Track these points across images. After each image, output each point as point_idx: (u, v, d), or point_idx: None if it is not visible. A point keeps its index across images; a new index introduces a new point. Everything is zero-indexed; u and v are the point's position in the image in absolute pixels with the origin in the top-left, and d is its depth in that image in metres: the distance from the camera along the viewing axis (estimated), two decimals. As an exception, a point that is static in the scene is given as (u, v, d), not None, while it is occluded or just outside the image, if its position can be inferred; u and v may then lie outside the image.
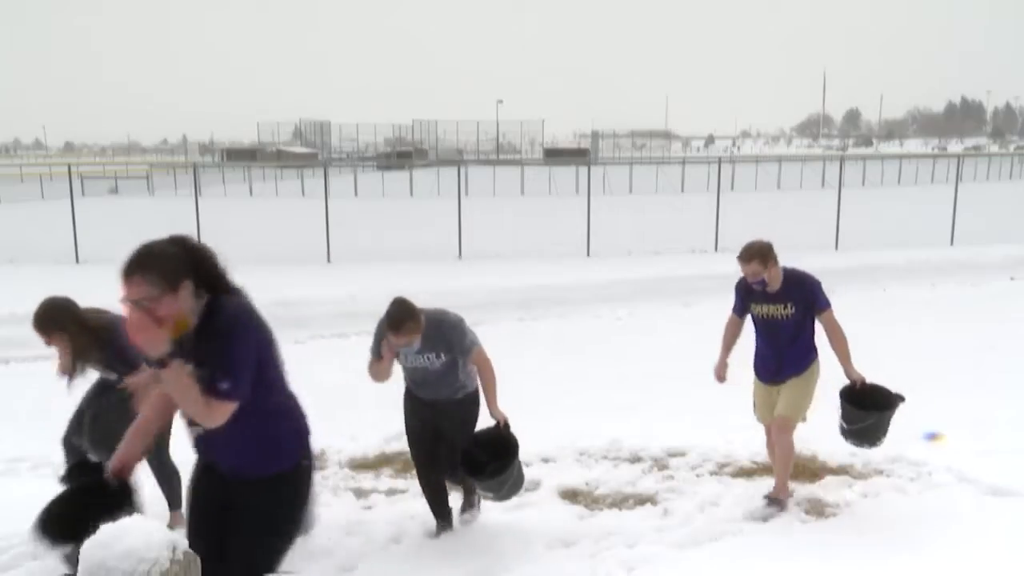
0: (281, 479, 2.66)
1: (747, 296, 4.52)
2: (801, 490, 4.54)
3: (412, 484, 4.79)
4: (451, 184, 22.09)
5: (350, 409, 6.11)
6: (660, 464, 5.06)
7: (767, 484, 4.54)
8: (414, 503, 4.45)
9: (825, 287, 4.44)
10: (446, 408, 4.09)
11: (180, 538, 1.55)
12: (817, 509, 4.35)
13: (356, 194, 31.68)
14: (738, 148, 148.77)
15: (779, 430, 4.41)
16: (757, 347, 4.53)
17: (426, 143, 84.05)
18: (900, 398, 4.22)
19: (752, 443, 5.08)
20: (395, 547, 3.97)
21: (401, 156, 67.43)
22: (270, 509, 2.62)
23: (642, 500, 4.53)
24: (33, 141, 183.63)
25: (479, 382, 4.06)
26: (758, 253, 4.33)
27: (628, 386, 6.68)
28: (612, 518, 4.28)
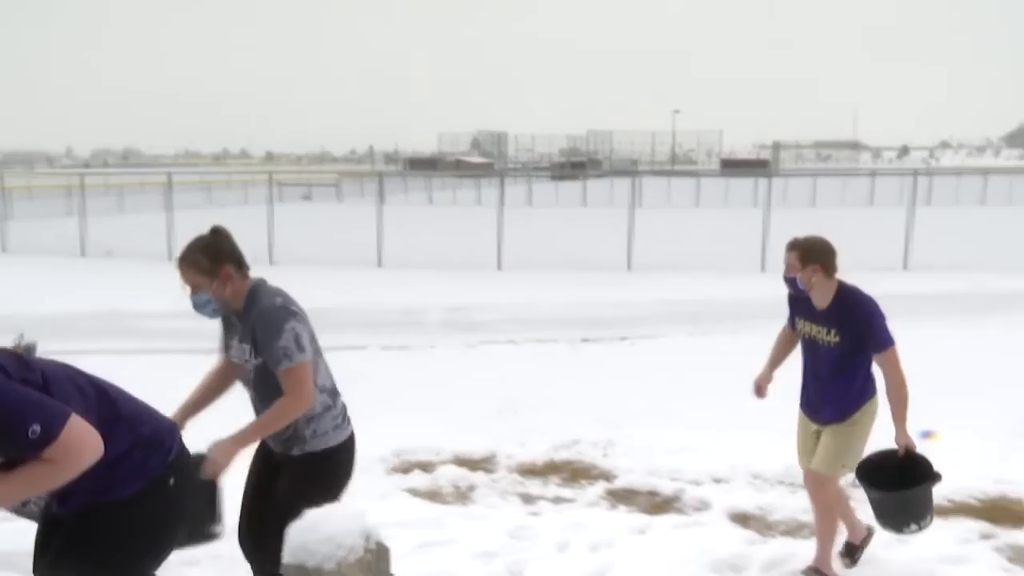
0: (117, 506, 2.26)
1: (794, 306, 3.80)
2: (1004, 535, 4.13)
3: (581, 494, 4.79)
4: (624, 194, 21.97)
5: (519, 414, 6.20)
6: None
7: (961, 525, 4.16)
8: (582, 513, 4.44)
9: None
10: (282, 461, 3.00)
11: (374, 529, 1.63)
12: (1022, 557, 3.94)
13: (530, 203, 32.18)
14: (936, 159, 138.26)
15: (813, 487, 3.75)
16: (802, 370, 3.81)
17: (600, 153, 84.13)
18: (936, 475, 3.39)
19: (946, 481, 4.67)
20: (560, 555, 3.97)
21: (575, 166, 67.82)
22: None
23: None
24: (240, 151, 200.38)
25: (336, 438, 2.97)
26: (801, 246, 3.57)
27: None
28: (785, 546, 4.07)
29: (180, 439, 2.44)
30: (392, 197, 33.52)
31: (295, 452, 2.97)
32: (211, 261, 2.90)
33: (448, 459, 5.27)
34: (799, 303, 3.74)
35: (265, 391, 2.96)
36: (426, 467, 5.15)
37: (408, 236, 16.98)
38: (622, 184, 33.20)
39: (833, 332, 3.57)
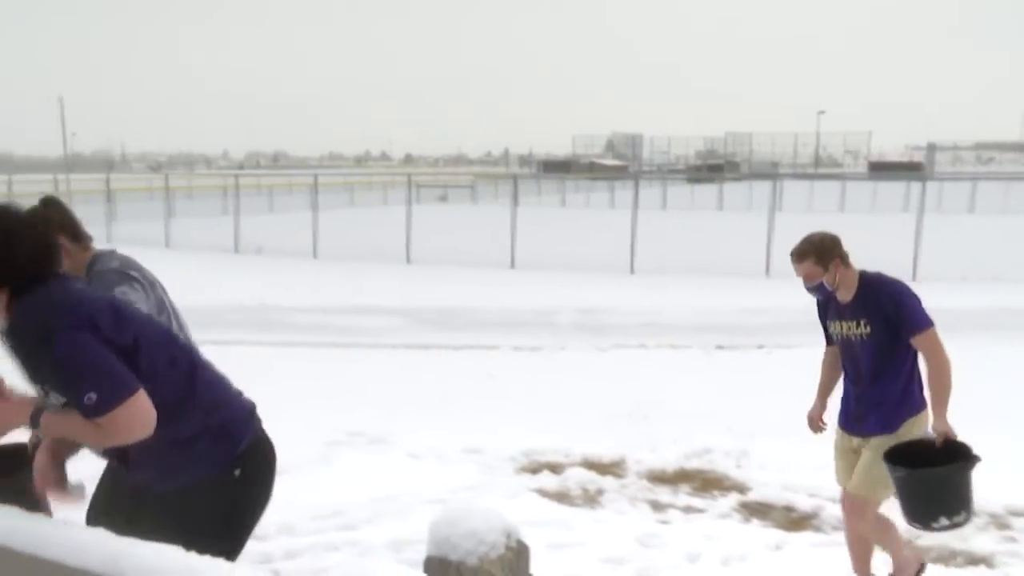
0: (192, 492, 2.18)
1: (823, 314, 3.51)
2: None
3: (712, 504, 4.66)
4: (763, 198, 21.28)
5: (649, 420, 6.10)
6: (1000, 523, 4.41)
7: None
8: (713, 524, 4.32)
9: None
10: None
11: (515, 527, 1.65)
12: None
13: (664, 206, 31.71)
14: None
15: (849, 512, 3.42)
16: (843, 381, 3.51)
17: (739, 156, 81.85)
18: (974, 457, 2.99)
19: None
20: (691, 566, 3.87)
21: (712, 169, 66.30)
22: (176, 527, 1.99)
23: (974, 560, 3.98)
24: (380, 153, 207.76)
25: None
26: (814, 248, 3.29)
27: (974, 428, 5.91)
28: (936, 574, 3.81)
29: (257, 429, 2.32)
30: (526, 199, 33.82)
31: None
32: None
33: (577, 461, 5.25)
34: (827, 308, 3.49)
35: None
36: (555, 468, 5.14)
37: (541, 238, 17.07)
38: (761, 187, 32.16)
39: (863, 323, 3.28)
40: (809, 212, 28.01)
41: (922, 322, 3.19)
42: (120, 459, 2.19)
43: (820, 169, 75.27)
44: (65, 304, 1.96)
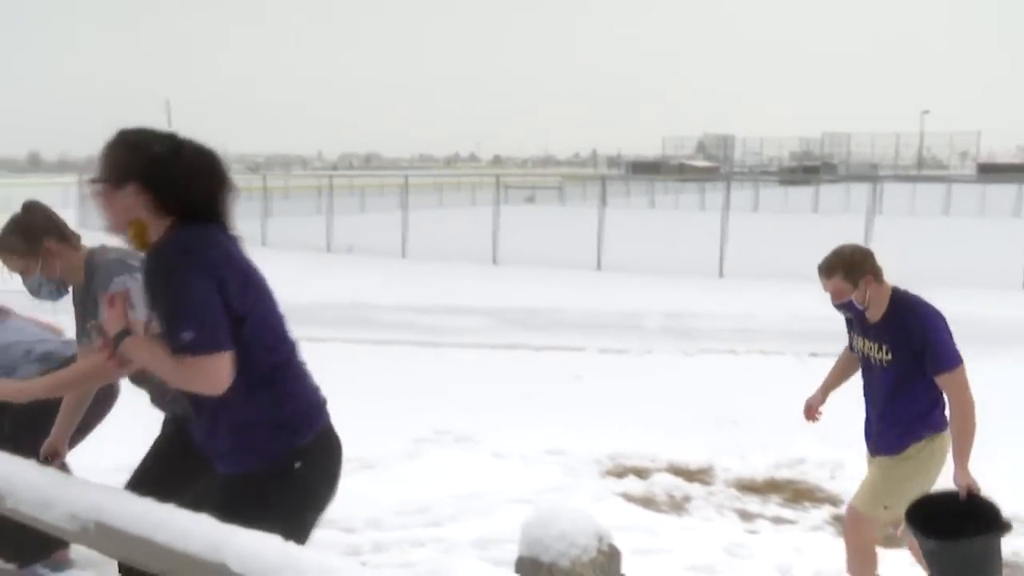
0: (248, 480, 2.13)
1: (849, 323, 3.32)
2: None
3: (804, 516, 4.53)
4: (862, 201, 20.55)
5: (738, 426, 5.98)
6: None
7: None
8: (804, 537, 4.20)
9: None
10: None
11: (606, 531, 1.65)
12: None
13: (756, 209, 31.00)
14: None
15: (848, 523, 3.29)
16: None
17: (836, 157, 79.32)
18: (1005, 525, 2.76)
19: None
20: (779, 578, 3.78)
21: (807, 171, 64.41)
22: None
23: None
24: (469, 155, 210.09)
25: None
26: (843, 263, 3.05)
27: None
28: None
29: (324, 425, 2.25)
30: (614, 200, 33.61)
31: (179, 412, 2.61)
32: (27, 241, 2.63)
33: (663, 467, 5.19)
34: (852, 320, 3.30)
35: None
36: (641, 473, 5.09)
37: (628, 240, 16.93)
38: (859, 190, 31.07)
39: (885, 348, 3.04)
40: (911, 215, 26.95)
41: (950, 361, 2.95)
42: (196, 424, 2.22)
43: (924, 171, 72.23)
44: (209, 251, 2.01)
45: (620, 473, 5.12)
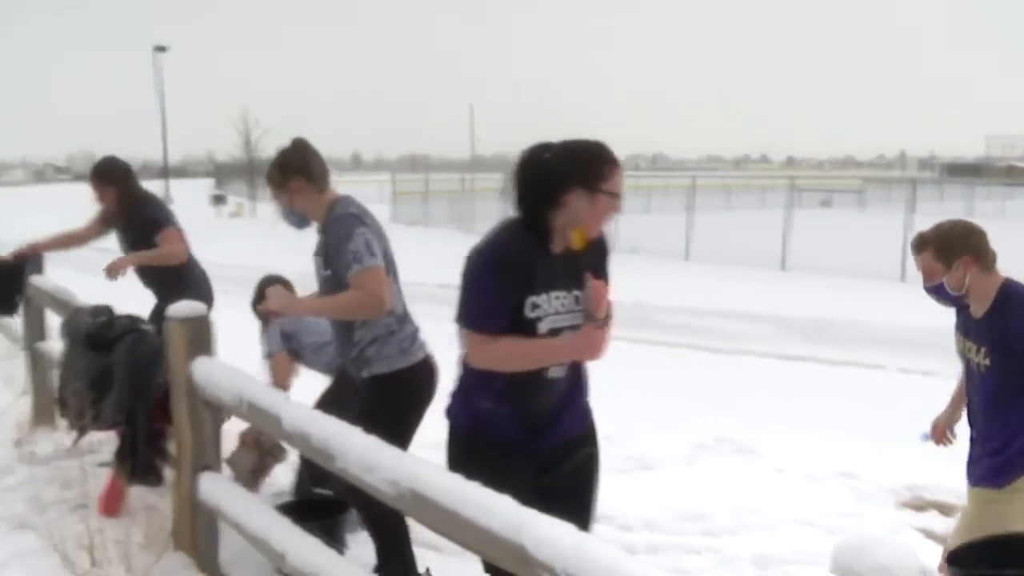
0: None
1: (957, 321, 2.74)
2: None
3: None
4: None
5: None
6: None
7: None
8: None
9: None
10: (354, 382, 3.03)
11: (931, 568, 1.53)
12: None
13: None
14: None
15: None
16: None
17: None
18: None
19: None
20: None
21: None
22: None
23: None
24: (760, 156, 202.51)
25: (402, 362, 2.91)
26: (935, 238, 2.54)
27: None
28: None
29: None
30: (924, 206, 30.53)
31: (364, 375, 2.94)
32: (280, 174, 2.97)
33: (972, 506, 4.65)
34: (959, 316, 2.76)
35: None
36: (943, 509, 4.61)
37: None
38: None
39: (983, 351, 2.52)
40: None
41: None
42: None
43: None
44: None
45: (919, 506, 4.68)
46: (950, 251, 2.58)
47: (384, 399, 2.88)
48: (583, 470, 2.34)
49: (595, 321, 2.16)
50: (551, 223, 2.14)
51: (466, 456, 2.20)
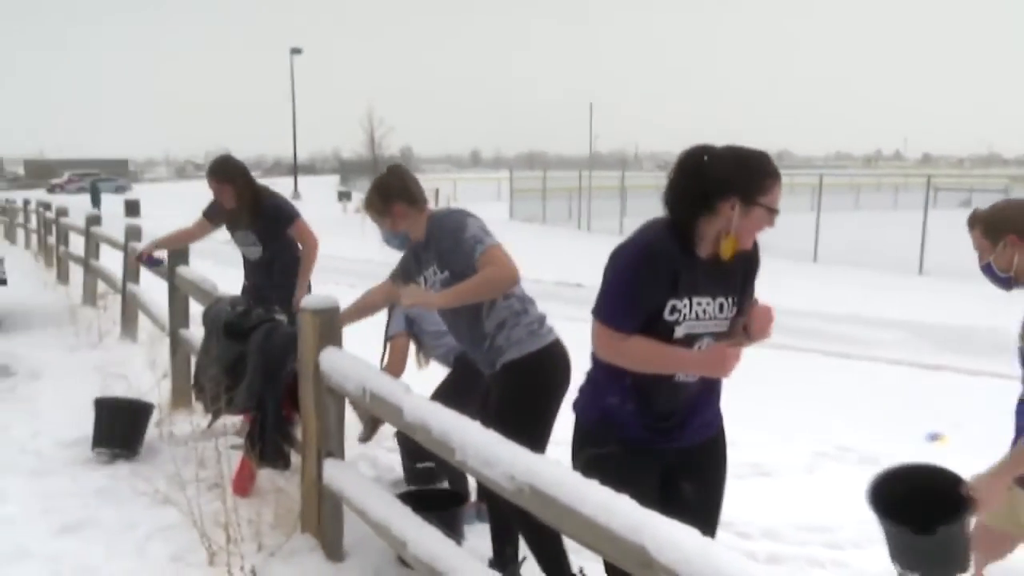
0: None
1: None
2: None
3: None
4: None
5: None
6: None
7: None
8: None
9: None
10: (492, 384, 3.01)
11: None
12: None
13: None
14: None
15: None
16: None
17: None
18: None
19: None
20: None
21: None
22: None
23: None
24: (893, 153, 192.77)
25: (534, 344, 2.89)
26: (984, 217, 2.45)
27: None
28: None
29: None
30: (1077, 207, 28.33)
31: (498, 367, 2.90)
32: (382, 200, 3.04)
33: None
34: None
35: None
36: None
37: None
38: None
39: None
40: None
41: None
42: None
43: None
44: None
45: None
46: (997, 229, 2.47)
47: (520, 386, 2.86)
48: (709, 476, 2.31)
49: (734, 339, 2.12)
50: (701, 228, 2.10)
51: (590, 451, 2.19)
